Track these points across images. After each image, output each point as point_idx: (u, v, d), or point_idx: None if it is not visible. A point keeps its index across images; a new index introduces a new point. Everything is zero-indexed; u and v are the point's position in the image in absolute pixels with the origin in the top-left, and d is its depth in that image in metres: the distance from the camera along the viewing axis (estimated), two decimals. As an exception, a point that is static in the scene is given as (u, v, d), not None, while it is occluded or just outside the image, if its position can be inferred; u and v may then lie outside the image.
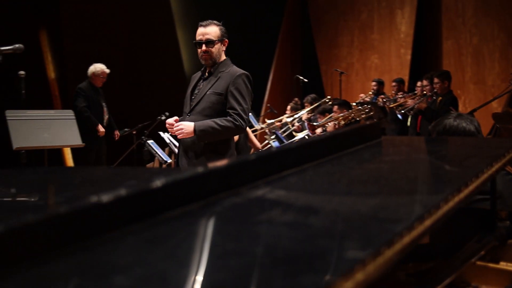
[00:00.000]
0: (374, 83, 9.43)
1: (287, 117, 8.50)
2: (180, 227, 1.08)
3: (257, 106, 10.89)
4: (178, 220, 1.11)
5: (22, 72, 5.35)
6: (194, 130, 3.81)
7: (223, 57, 4.13)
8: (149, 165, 7.30)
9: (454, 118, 2.71)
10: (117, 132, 7.92)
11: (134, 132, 6.78)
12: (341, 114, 6.63)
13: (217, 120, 3.85)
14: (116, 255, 0.94)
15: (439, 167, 1.59)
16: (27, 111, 4.50)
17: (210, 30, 4.05)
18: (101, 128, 7.54)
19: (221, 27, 4.12)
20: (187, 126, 3.85)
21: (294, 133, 7.65)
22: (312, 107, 8.11)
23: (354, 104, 7.46)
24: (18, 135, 3.73)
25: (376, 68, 10.91)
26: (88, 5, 10.79)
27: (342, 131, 1.79)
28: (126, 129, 7.24)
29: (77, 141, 4.97)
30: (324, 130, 6.57)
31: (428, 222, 1.00)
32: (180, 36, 11.90)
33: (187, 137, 3.88)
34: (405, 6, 10.40)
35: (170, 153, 7.00)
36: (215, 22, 4.12)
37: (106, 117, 7.93)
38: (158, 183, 1.13)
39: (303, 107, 8.82)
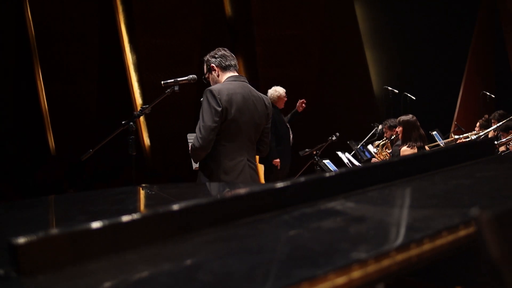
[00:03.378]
0: None
1: (474, 134, 8.27)
2: (246, 230, 1.31)
3: (446, 123, 10.66)
4: (248, 225, 1.34)
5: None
6: None
7: (223, 80, 4.14)
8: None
9: None
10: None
11: (315, 152, 7.04)
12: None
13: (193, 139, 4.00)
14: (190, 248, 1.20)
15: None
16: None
17: (204, 68, 4.23)
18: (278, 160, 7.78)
19: (207, 57, 4.18)
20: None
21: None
22: (498, 124, 7.81)
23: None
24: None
25: None
26: (280, 31, 11.38)
27: (447, 147, 1.89)
28: (307, 149, 7.53)
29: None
30: (507, 149, 6.33)
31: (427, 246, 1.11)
32: (369, 57, 12.06)
33: None
34: None
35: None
36: (205, 59, 4.21)
37: (291, 136, 8.25)
38: (231, 195, 1.37)
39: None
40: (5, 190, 9.08)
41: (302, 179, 1.53)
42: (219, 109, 3.89)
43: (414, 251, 1.09)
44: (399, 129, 5.78)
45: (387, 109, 10.56)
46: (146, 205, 2.41)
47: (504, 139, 6.52)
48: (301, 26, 11.49)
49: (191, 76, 4.25)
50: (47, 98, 10.65)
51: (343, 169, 1.65)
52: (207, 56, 4.18)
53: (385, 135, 6.97)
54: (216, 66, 4.14)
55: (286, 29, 11.41)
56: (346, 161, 6.92)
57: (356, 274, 0.99)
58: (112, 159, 9.30)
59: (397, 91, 9.93)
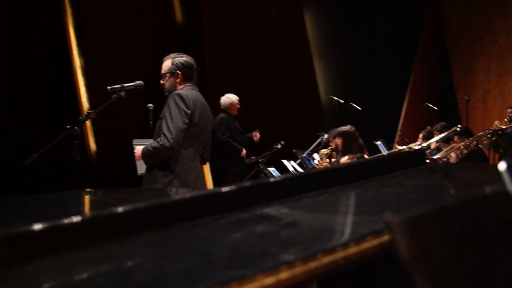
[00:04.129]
0: (510, 110, 9.13)
1: (418, 145, 8.48)
2: (183, 233, 1.36)
3: (390, 133, 10.91)
4: (185, 229, 1.39)
5: (150, 105, 5.94)
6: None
7: (179, 88, 4.21)
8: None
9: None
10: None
11: (260, 160, 7.14)
12: (462, 143, 6.57)
13: (152, 143, 4.03)
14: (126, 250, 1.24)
15: (440, 191, 1.74)
16: (152, 140, 4.96)
17: (164, 65, 4.27)
18: (244, 151, 7.92)
19: (177, 60, 4.23)
20: (138, 150, 4.16)
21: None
22: (440, 136, 8.04)
23: (483, 132, 7.31)
24: (142, 163, 4.18)
25: (515, 94, 10.56)
26: (230, 40, 11.45)
27: (379, 157, 1.97)
28: (252, 157, 7.62)
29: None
30: (447, 161, 6.53)
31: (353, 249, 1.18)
32: (317, 66, 12.23)
33: (140, 160, 4.16)
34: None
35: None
36: (173, 55, 4.26)
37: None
38: (169, 200, 1.42)
39: (435, 135, 8.74)
40: None
41: (239, 185, 1.59)
42: (189, 111, 4.01)
43: (340, 254, 1.15)
44: (338, 141, 5.89)
45: (334, 118, 10.73)
46: (88, 209, 2.43)
47: (445, 150, 6.74)
48: (250, 34, 11.58)
49: (138, 82, 4.28)
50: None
51: (279, 177, 1.72)
52: (177, 59, 4.23)
53: (330, 144, 7.09)
54: (182, 75, 4.22)
55: (236, 38, 11.49)
56: (291, 169, 7.01)
57: (284, 275, 1.05)
58: (58, 164, 9.18)
59: (343, 101, 10.12)
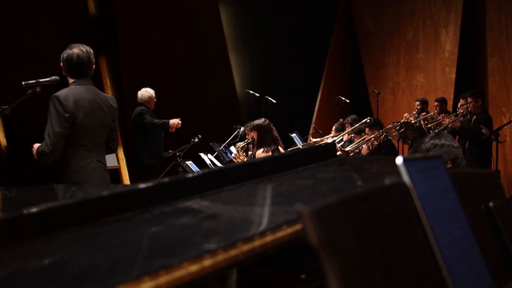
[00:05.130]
0: (418, 103, 9.57)
1: (331, 137, 8.77)
2: (110, 228, 1.43)
3: (305, 126, 11.19)
4: (112, 223, 1.46)
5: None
6: None
7: (70, 82, 4.22)
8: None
9: (429, 138, 2.93)
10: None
11: (178, 154, 7.21)
12: (373, 135, 6.85)
13: (40, 145, 4.09)
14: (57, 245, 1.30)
15: (345, 183, 1.89)
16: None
17: None
18: (174, 120, 7.92)
19: (66, 52, 4.17)
20: (34, 148, 4.20)
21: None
22: (352, 128, 8.35)
23: (392, 124, 7.65)
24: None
25: (422, 87, 11.04)
26: (145, 33, 11.38)
27: (293, 151, 2.09)
28: (170, 151, 7.67)
29: (114, 162, 5.51)
30: (359, 153, 6.80)
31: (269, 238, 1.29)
32: (232, 60, 12.35)
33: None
34: (449, 25, 10.53)
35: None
36: (71, 45, 4.21)
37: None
38: (101, 194, 1.49)
39: (347, 128, 9.06)
40: None
41: (162, 180, 1.67)
42: (67, 115, 3.98)
43: (257, 242, 1.26)
44: (254, 134, 6.03)
45: (250, 111, 10.89)
46: (5, 207, 2.44)
47: (353, 144, 7.01)
48: (165, 28, 11.56)
49: (53, 77, 4.22)
50: None
51: (199, 171, 1.81)
52: (66, 50, 4.16)
53: (247, 137, 7.23)
54: (65, 71, 4.20)
55: (151, 31, 11.44)
56: (208, 162, 7.11)
57: (208, 262, 1.15)
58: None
59: (258, 95, 10.29)
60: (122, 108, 11.15)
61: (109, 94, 11.45)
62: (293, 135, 9.05)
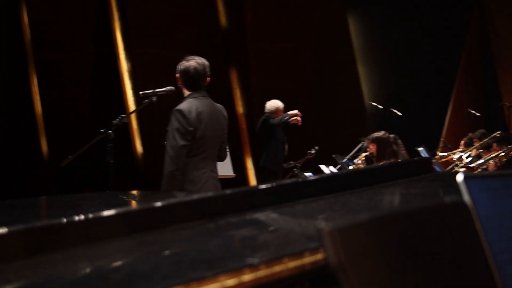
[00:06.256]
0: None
1: (459, 152, 8.39)
2: (169, 236, 1.43)
3: (434, 140, 10.78)
4: (173, 231, 1.46)
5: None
6: None
7: (185, 93, 4.22)
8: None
9: None
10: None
11: (295, 164, 7.20)
12: (501, 151, 6.47)
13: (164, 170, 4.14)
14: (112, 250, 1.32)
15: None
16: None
17: None
18: (294, 112, 7.94)
19: (183, 63, 4.18)
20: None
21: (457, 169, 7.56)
22: (480, 143, 7.92)
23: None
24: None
25: None
26: (273, 44, 11.53)
27: (382, 165, 2.01)
28: (291, 162, 7.67)
29: (230, 171, 5.60)
30: (486, 169, 6.46)
31: None
32: (361, 71, 12.19)
33: None
34: None
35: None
36: (186, 57, 4.23)
37: (286, 147, 8.34)
38: (162, 203, 1.50)
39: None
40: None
41: (233, 190, 1.65)
42: (190, 128, 4.04)
43: (307, 259, 1.20)
44: (373, 147, 5.88)
45: (376, 124, 10.67)
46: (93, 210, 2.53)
47: (481, 161, 6.64)
48: (294, 39, 11.64)
49: (169, 87, 4.33)
50: (42, 104, 10.76)
51: (275, 183, 1.78)
52: (181, 64, 4.20)
53: (367, 149, 7.08)
54: (182, 82, 4.24)
55: (279, 42, 11.57)
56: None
57: (247, 277, 1.11)
58: (102, 166, 9.41)
59: (381, 107, 10.05)
60: (251, 119, 11.37)
61: (238, 104, 11.74)
62: (420, 149, 8.74)
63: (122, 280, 1.08)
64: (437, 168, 7.16)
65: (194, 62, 4.19)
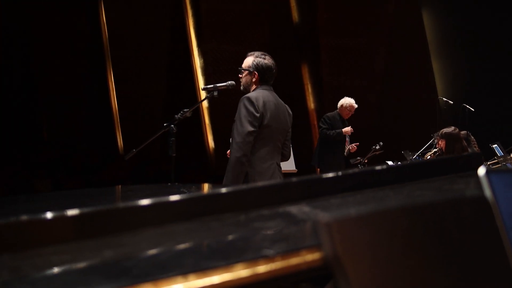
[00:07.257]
0: None
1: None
2: (198, 226, 1.45)
3: (510, 136, 10.41)
4: (204, 223, 1.48)
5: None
6: None
7: (253, 88, 4.27)
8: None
9: None
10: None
11: (360, 160, 7.11)
12: None
13: (229, 158, 4.19)
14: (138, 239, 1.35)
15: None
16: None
17: (245, 60, 4.33)
18: (346, 129, 7.90)
19: (258, 60, 4.26)
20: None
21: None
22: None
23: None
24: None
25: None
26: (346, 40, 11.43)
27: (428, 160, 1.96)
28: (358, 158, 7.59)
29: (292, 167, 5.59)
30: None
31: None
32: (435, 66, 11.92)
33: None
34: None
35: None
36: (256, 54, 4.30)
37: (347, 147, 8.28)
38: (195, 196, 1.51)
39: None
40: (71, 185, 9.53)
41: (268, 183, 1.65)
42: (258, 115, 4.09)
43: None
44: (442, 142, 5.75)
45: (451, 120, 10.41)
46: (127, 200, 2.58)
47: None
48: (367, 34, 11.50)
49: (230, 82, 4.40)
50: (118, 99, 11.08)
51: (310, 176, 1.76)
52: (258, 59, 4.30)
53: (437, 145, 6.92)
54: (258, 76, 4.31)
55: (352, 37, 11.46)
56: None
57: (262, 268, 1.11)
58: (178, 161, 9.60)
59: (451, 102, 9.78)
60: (322, 114, 11.31)
61: (310, 100, 11.71)
62: (495, 145, 8.48)
63: (133, 267, 1.10)
64: (509, 165, 6.92)
65: (271, 60, 4.36)
